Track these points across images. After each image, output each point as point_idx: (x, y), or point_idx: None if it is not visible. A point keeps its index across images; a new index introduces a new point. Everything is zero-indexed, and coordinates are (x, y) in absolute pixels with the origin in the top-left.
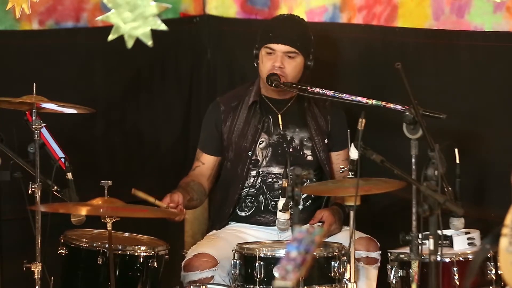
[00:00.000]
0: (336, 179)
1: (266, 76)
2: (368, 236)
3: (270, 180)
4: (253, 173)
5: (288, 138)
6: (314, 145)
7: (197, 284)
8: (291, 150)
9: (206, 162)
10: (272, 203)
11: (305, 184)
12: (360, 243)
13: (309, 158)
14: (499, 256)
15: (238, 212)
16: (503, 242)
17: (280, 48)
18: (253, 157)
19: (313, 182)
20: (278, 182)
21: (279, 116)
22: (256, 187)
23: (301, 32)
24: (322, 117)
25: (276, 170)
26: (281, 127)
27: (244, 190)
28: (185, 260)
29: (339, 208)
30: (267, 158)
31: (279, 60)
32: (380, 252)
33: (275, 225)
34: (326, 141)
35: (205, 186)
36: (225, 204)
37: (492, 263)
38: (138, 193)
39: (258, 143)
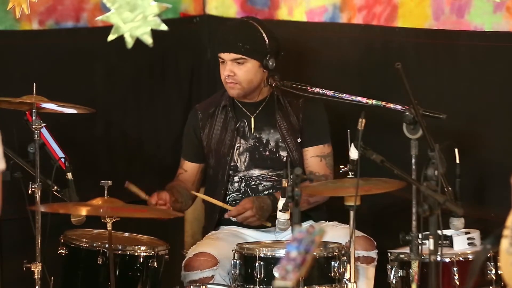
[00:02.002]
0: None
1: (266, 78)
2: (365, 235)
3: (253, 183)
4: (236, 178)
5: (264, 141)
6: (287, 145)
7: (197, 284)
8: (267, 153)
9: (188, 169)
10: None
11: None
12: (358, 242)
13: (285, 159)
14: (500, 257)
15: (231, 218)
16: (504, 243)
17: (226, 56)
18: (232, 163)
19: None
20: (262, 183)
21: (252, 119)
22: (241, 192)
23: (249, 36)
24: (295, 115)
25: (256, 172)
26: (252, 130)
27: (230, 195)
28: (185, 259)
29: (267, 199)
30: (245, 163)
31: (227, 69)
32: (376, 251)
33: (270, 227)
34: (299, 140)
35: (191, 190)
36: (213, 211)
37: (492, 263)
38: (131, 187)
39: (236, 148)
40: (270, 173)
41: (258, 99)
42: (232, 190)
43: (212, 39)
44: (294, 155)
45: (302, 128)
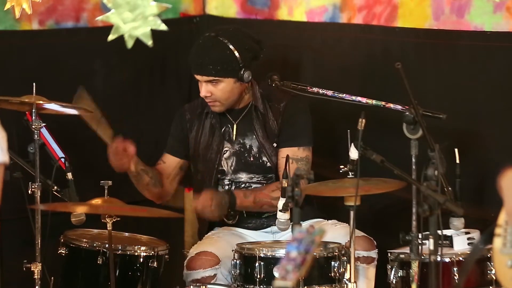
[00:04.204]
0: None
1: (266, 76)
2: (365, 234)
3: (243, 185)
4: (225, 181)
5: (248, 146)
6: (265, 151)
7: (198, 284)
8: (252, 159)
9: (166, 161)
10: None
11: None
12: (358, 242)
13: (268, 164)
14: (493, 257)
15: (226, 220)
16: (497, 242)
17: (201, 78)
18: (219, 167)
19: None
20: (252, 186)
21: (235, 126)
22: None
23: (218, 56)
24: (275, 120)
25: (244, 177)
26: (235, 137)
27: None
28: (187, 258)
29: (226, 195)
30: (232, 168)
31: (204, 90)
32: (376, 250)
33: (266, 227)
34: (274, 145)
35: (164, 181)
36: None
37: (492, 263)
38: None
39: (223, 153)
40: (258, 176)
41: (240, 107)
42: None
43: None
44: (273, 160)
45: (280, 130)
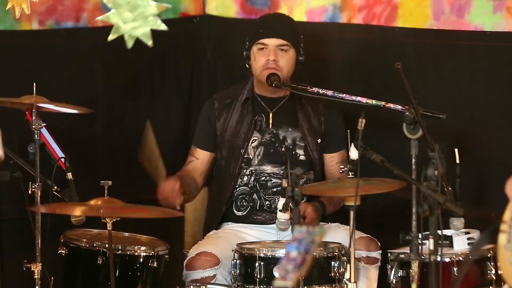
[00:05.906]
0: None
1: (266, 76)
2: (369, 236)
3: (263, 178)
4: (247, 171)
5: (281, 137)
6: (307, 144)
7: (198, 284)
8: (283, 149)
9: (200, 157)
10: (266, 203)
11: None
12: (361, 243)
13: (302, 157)
14: (498, 253)
15: (235, 211)
16: (502, 239)
17: (272, 42)
18: (245, 155)
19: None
20: (272, 180)
21: (271, 115)
22: (249, 186)
23: (290, 26)
24: (316, 117)
25: (268, 169)
26: (270, 126)
27: (239, 189)
28: (187, 259)
29: (319, 205)
30: (259, 157)
31: (272, 54)
32: (380, 251)
33: (272, 224)
34: (319, 141)
35: (198, 181)
36: (219, 203)
37: (492, 263)
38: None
39: (251, 141)
40: (282, 171)
41: (279, 95)
42: (240, 183)
43: (213, 39)
44: (314, 155)
45: (325, 133)
